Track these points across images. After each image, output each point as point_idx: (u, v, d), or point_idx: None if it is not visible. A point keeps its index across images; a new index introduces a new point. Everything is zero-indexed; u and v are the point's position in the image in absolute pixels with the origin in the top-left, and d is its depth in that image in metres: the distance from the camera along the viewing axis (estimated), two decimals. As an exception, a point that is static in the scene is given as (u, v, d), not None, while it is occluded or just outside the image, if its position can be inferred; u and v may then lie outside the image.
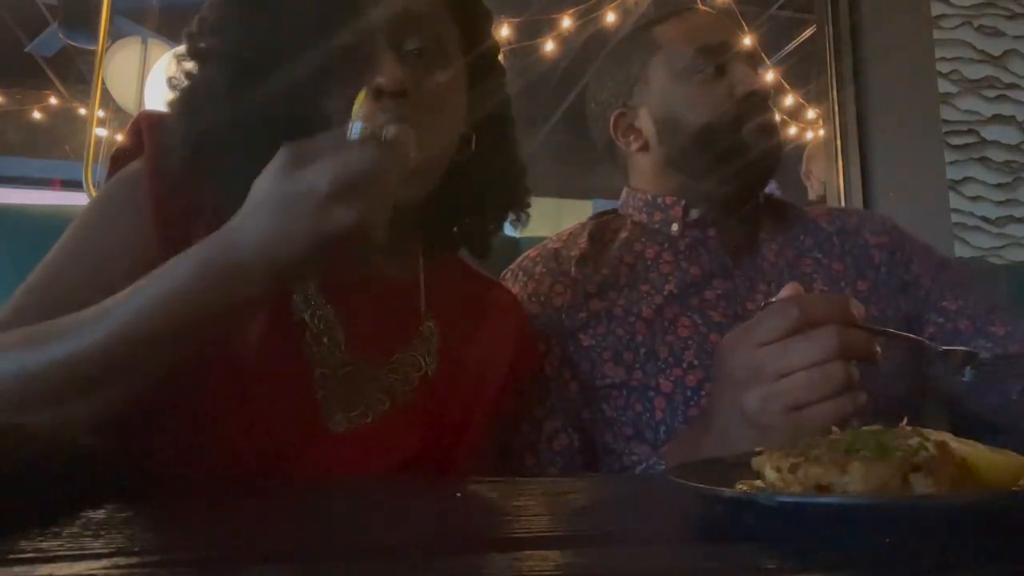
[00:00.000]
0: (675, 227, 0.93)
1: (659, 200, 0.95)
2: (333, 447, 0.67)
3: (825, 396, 0.56)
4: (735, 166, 0.90)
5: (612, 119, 0.99)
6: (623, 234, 0.96)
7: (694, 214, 0.93)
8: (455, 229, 0.80)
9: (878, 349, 0.58)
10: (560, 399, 0.86)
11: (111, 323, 0.52)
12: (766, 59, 3.45)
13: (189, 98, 0.67)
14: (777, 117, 0.93)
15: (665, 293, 0.87)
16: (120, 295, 0.54)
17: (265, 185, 0.52)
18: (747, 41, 0.97)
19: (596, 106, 1.03)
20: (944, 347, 0.62)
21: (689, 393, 0.81)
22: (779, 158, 0.93)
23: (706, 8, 1.00)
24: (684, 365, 0.82)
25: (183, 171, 0.65)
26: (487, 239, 0.81)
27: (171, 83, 0.69)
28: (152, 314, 0.52)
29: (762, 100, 0.91)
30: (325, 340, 0.68)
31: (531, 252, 0.98)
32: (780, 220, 0.97)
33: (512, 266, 0.98)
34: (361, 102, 0.54)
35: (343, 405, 0.67)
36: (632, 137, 0.98)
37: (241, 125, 0.64)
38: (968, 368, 0.60)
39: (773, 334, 0.58)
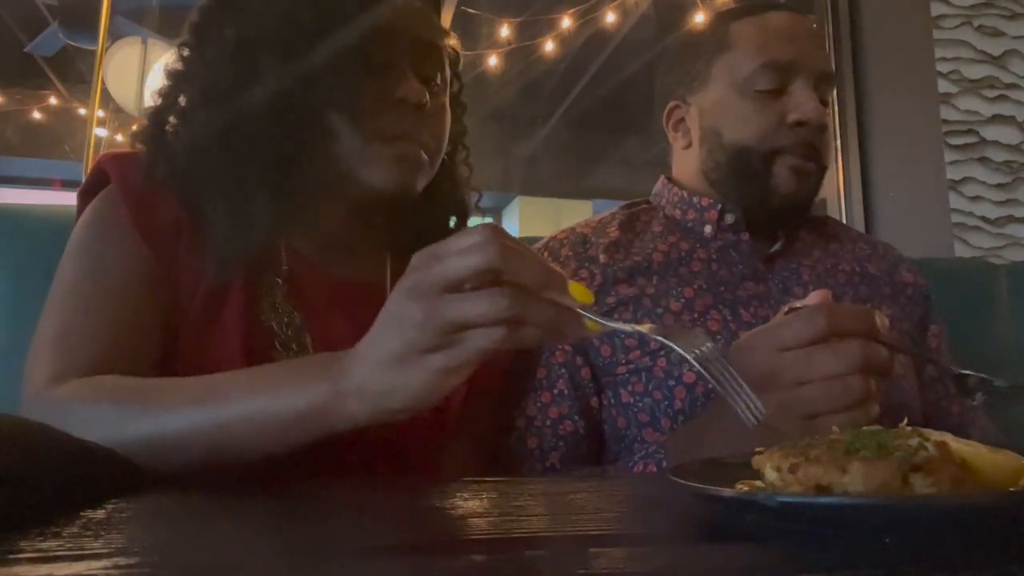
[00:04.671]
0: (708, 229, 0.92)
1: (695, 200, 0.94)
2: (314, 447, 0.67)
3: (841, 408, 0.56)
4: (760, 195, 0.88)
5: (667, 109, 0.97)
6: (656, 226, 0.95)
7: (729, 219, 0.91)
8: (416, 229, 0.84)
9: (896, 365, 0.59)
10: (570, 385, 0.85)
11: (215, 421, 0.55)
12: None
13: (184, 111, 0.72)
14: (826, 154, 0.88)
15: (695, 287, 0.87)
16: (222, 394, 0.56)
17: (388, 313, 0.51)
18: (825, 62, 0.90)
19: (660, 88, 1.00)
20: (961, 371, 0.61)
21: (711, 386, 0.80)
22: (810, 199, 0.90)
23: (793, 15, 0.91)
24: None
25: (157, 190, 0.70)
26: (440, 238, 0.86)
27: (169, 74, 0.74)
28: (242, 432, 0.55)
29: (813, 133, 0.86)
30: (294, 346, 0.70)
31: (558, 234, 0.97)
32: (819, 233, 0.97)
33: (537, 245, 0.97)
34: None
35: None
36: (680, 133, 0.97)
37: (233, 138, 0.68)
38: (980, 393, 0.60)
39: (797, 340, 0.58)
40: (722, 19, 0.95)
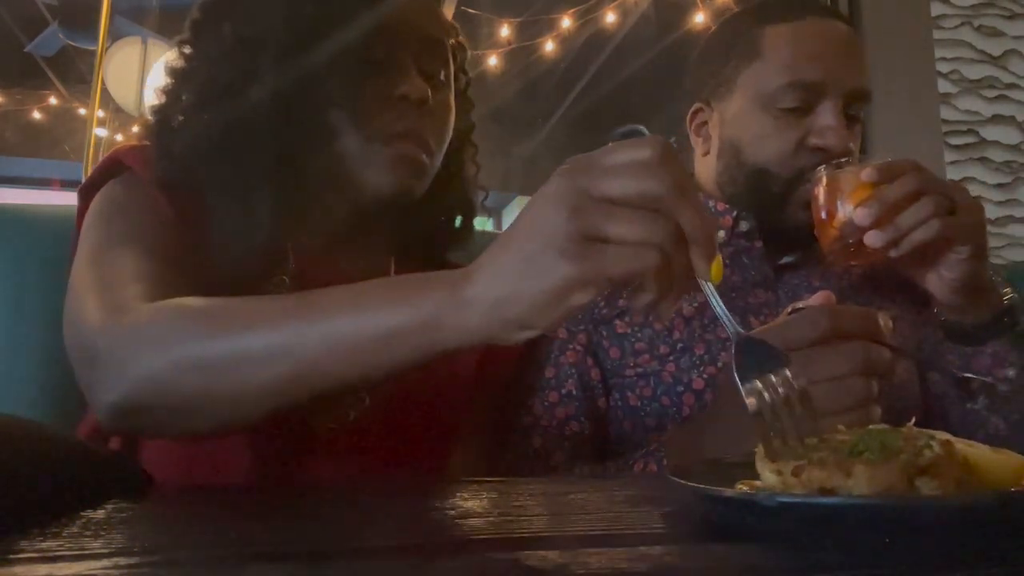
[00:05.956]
0: (722, 234, 0.90)
1: (710, 203, 0.92)
2: (320, 448, 0.67)
3: (843, 410, 0.56)
4: (778, 217, 0.87)
5: (691, 111, 0.95)
6: None
7: (743, 226, 0.90)
8: (421, 228, 0.84)
9: (896, 367, 0.58)
10: (579, 386, 0.85)
11: (316, 338, 0.50)
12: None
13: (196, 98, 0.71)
14: None
15: None
16: (325, 310, 0.51)
17: (525, 215, 0.45)
18: (858, 79, 0.85)
19: (689, 84, 0.97)
20: (964, 374, 0.61)
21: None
22: None
23: (832, 23, 0.86)
24: (719, 364, 0.80)
25: (173, 178, 0.68)
26: (445, 237, 0.88)
27: (171, 71, 0.73)
28: (349, 346, 0.50)
29: (834, 159, 0.81)
30: None
31: None
32: None
33: None
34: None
35: (323, 407, 0.68)
36: (701, 138, 0.94)
37: (245, 125, 0.68)
38: (982, 396, 0.60)
39: (799, 342, 0.58)
40: (758, 19, 0.90)
